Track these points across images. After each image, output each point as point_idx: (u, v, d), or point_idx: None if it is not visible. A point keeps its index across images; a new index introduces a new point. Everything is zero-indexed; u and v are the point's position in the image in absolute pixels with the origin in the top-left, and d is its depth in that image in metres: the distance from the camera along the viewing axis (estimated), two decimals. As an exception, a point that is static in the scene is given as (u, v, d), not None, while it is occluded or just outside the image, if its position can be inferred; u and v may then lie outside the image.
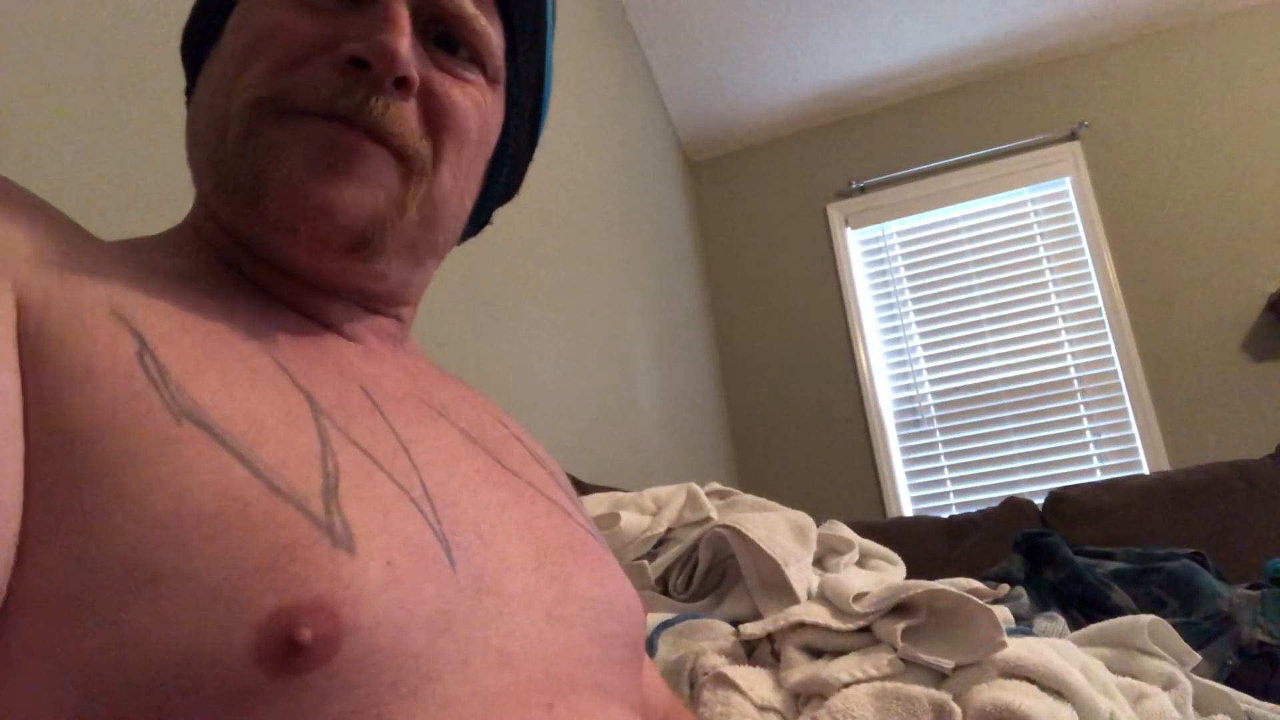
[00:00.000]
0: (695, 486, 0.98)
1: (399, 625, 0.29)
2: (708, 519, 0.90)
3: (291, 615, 0.27)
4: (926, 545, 1.96)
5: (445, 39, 0.43)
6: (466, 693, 0.31)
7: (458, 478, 0.38)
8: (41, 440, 0.28)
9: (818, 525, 0.94)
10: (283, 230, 0.39)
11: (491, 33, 0.44)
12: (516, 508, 0.40)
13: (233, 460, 0.30)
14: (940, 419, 3.05)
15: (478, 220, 0.52)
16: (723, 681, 0.64)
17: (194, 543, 0.27)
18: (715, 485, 1.07)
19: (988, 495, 2.89)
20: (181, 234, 0.43)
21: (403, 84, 0.39)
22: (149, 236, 0.44)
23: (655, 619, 0.76)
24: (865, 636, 0.66)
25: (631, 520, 0.91)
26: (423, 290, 0.49)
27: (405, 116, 0.40)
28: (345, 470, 0.32)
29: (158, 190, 0.71)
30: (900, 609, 0.66)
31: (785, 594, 0.76)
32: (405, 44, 0.38)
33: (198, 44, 0.44)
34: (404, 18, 0.39)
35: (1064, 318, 2.97)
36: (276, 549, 0.28)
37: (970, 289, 3.10)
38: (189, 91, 0.45)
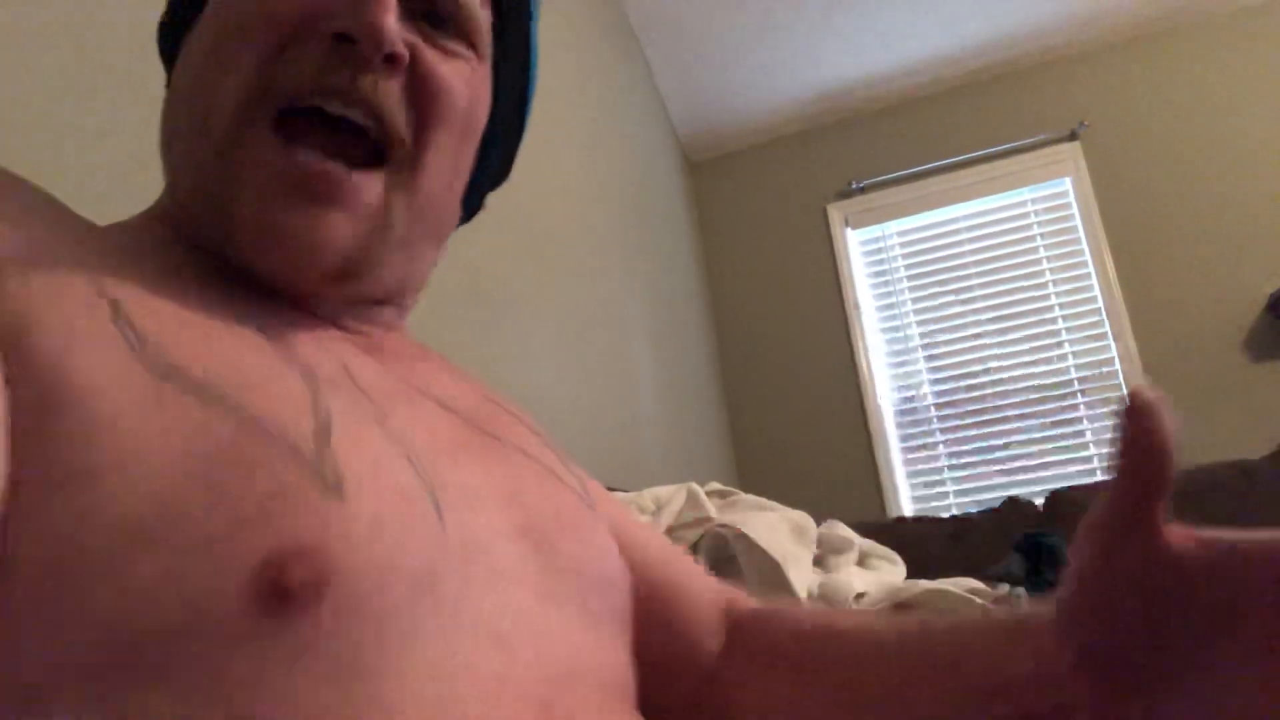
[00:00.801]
0: (695, 486, 0.98)
1: (382, 575, 0.29)
2: (708, 519, 0.90)
3: (281, 560, 0.27)
4: (926, 545, 1.96)
5: (432, 15, 0.42)
6: (458, 665, 0.30)
7: (439, 447, 0.38)
8: (32, 403, 0.28)
9: (818, 525, 0.94)
10: (258, 260, 0.38)
11: (478, 8, 0.44)
12: (501, 475, 0.40)
13: (220, 411, 0.30)
14: (940, 419, 3.05)
15: (471, 205, 0.51)
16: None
17: (189, 495, 0.28)
18: (715, 485, 1.07)
19: (988, 495, 2.89)
20: (151, 221, 0.42)
21: (391, 60, 0.38)
22: (117, 222, 0.43)
23: (655, 619, 0.76)
24: (865, 636, 0.66)
25: (631, 520, 0.91)
26: (425, 277, 0.48)
27: (393, 93, 0.39)
28: (336, 415, 0.32)
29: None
30: (900, 609, 0.66)
31: (785, 594, 0.76)
32: (391, 19, 0.38)
33: (174, 32, 0.43)
34: None
35: (1064, 318, 2.97)
36: (268, 494, 0.28)
37: (970, 289, 3.10)
38: (168, 85, 0.44)
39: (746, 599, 0.54)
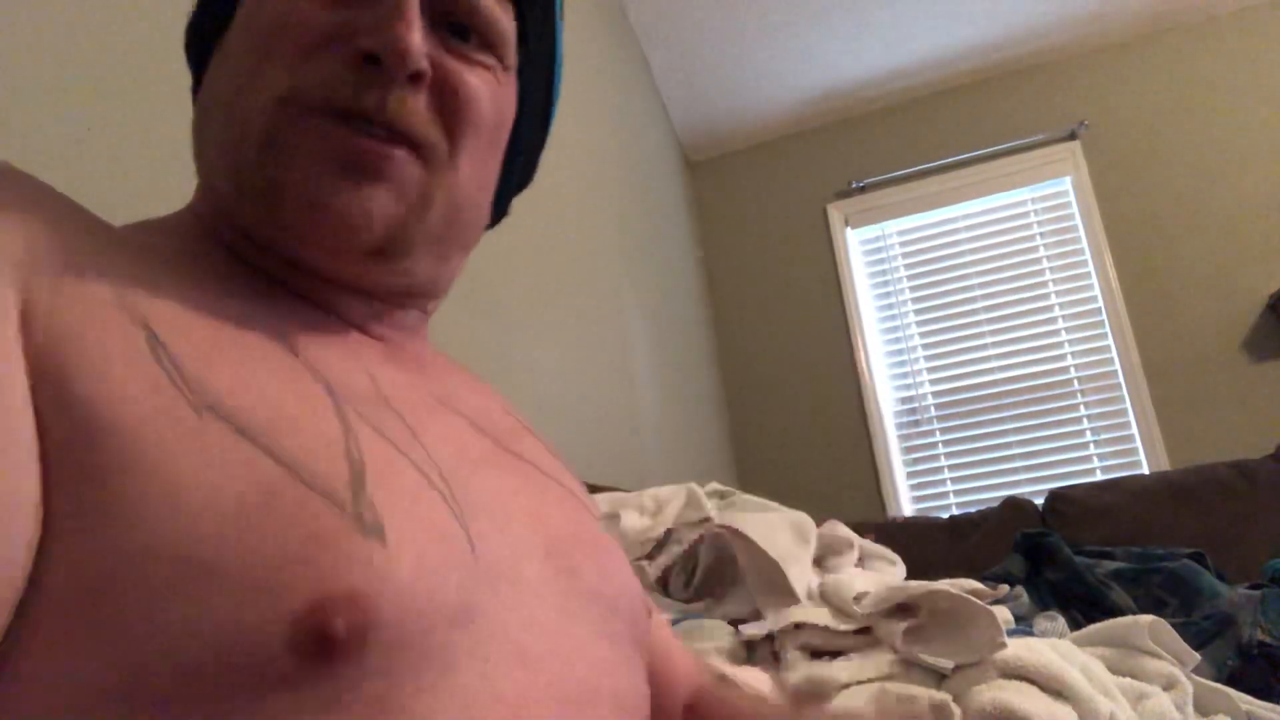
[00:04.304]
0: (695, 486, 0.98)
1: (426, 615, 0.30)
2: (708, 519, 0.90)
3: (325, 606, 0.27)
4: (926, 545, 1.96)
5: (457, 26, 0.43)
6: (486, 691, 0.31)
7: (467, 464, 0.38)
8: (64, 434, 0.28)
9: (818, 525, 0.94)
10: (304, 239, 0.39)
11: (503, 18, 0.44)
12: (526, 494, 0.40)
13: (258, 452, 0.30)
14: (940, 419, 3.05)
15: (497, 210, 0.51)
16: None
17: (229, 536, 0.27)
18: (715, 485, 1.07)
19: (988, 495, 2.88)
20: (185, 223, 0.43)
21: (416, 78, 0.39)
22: (152, 220, 0.43)
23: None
24: (865, 637, 0.66)
25: (631, 520, 0.91)
26: (450, 283, 0.49)
27: (420, 109, 0.40)
28: (369, 458, 0.32)
29: (154, 183, 0.71)
30: (901, 609, 0.66)
31: (785, 594, 0.76)
32: (416, 37, 0.38)
33: (203, 38, 0.44)
34: (414, 9, 0.39)
35: (1064, 318, 2.97)
36: (308, 540, 0.28)
37: (970, 289, 3.10)
38: (194, 88, 0.45)
39: (709, 684, 0.55)
